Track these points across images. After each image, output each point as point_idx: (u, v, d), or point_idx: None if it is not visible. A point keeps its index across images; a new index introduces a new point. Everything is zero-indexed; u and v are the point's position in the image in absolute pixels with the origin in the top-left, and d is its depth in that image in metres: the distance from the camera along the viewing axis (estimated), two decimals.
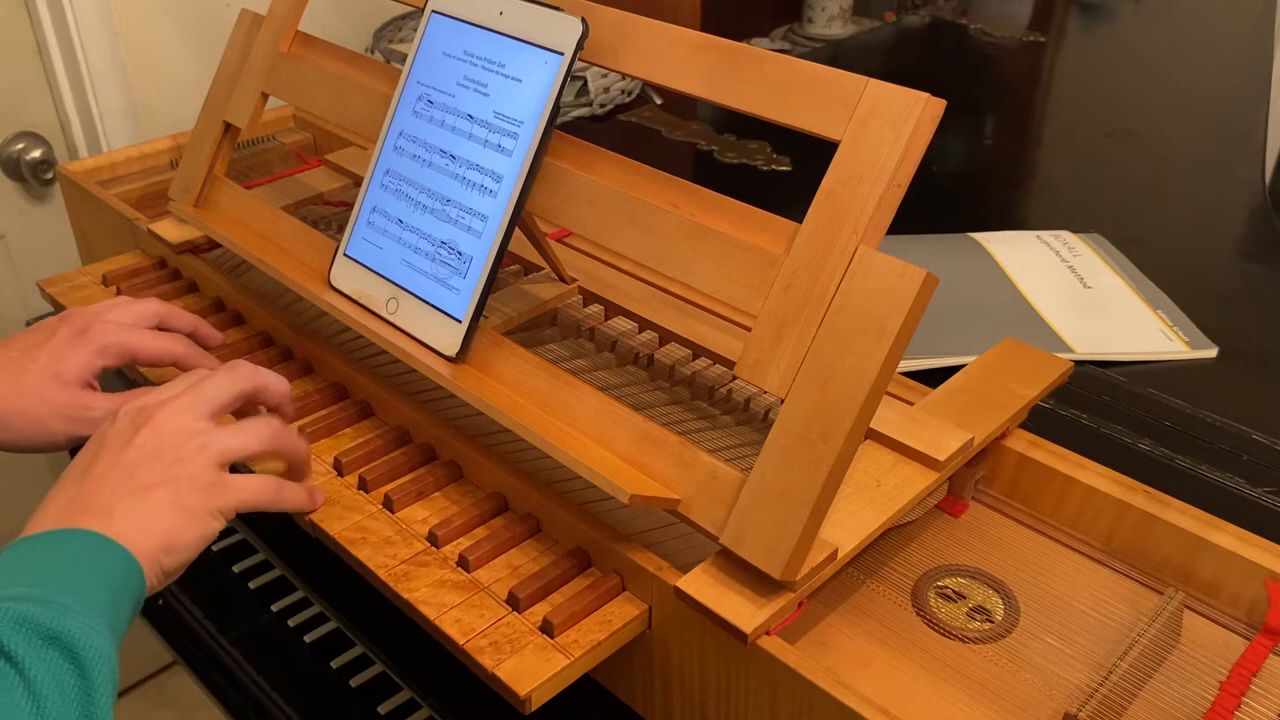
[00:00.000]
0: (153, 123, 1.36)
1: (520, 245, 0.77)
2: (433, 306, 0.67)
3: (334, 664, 0.73)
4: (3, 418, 0.65)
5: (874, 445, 0.63)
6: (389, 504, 0.64)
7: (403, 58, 0.76)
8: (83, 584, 0.50)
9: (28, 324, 1.00)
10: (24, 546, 0.52)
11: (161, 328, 0.72)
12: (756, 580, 0.54)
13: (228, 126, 0.84)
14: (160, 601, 0.82)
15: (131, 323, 0.70)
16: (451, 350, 0.66)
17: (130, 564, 0.53)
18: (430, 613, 0.57)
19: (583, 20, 0.62)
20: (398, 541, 0.62)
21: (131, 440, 0.57)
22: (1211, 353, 0.87)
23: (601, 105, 1.36)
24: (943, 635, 0.60)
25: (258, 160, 1.06)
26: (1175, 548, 0.62)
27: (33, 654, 0.46)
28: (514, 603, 0.58)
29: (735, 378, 0.70)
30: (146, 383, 0.75)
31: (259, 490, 0.60)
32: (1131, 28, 1.69)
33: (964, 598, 0.62)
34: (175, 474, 0.56)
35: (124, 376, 0.78)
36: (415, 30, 0.71)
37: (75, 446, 0.69)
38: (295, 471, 0.65)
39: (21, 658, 0.45)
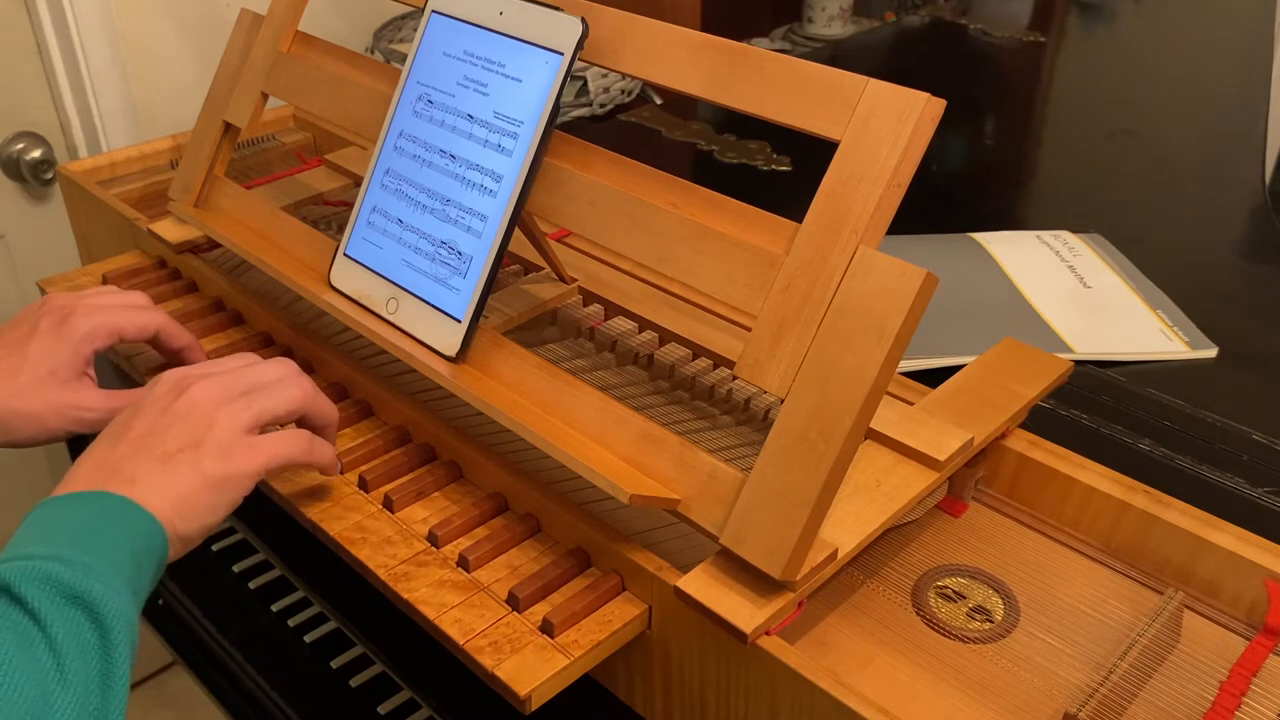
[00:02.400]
0: (153, 123, 1.36)
1: (520, 245, 0.77)
2: (433, 306, 0.67)
3: (334, 664, 0.73)
4: (4, 420, 0.65)
5: (874, 445, 0.63)
6: (389, 504, 0.64)
7: (403, 58, 0.76)
8: (106, 546, 0.51)
9: None
10: (52, 507, 0.53)
11: None
12: (756, 580, 0.54)
13: (228, 126, 0.84)
14: (160, 601, 0.82)
15: (111, 304, 0.70)
16: (451, 350, 0.66)
17: (154, 527, 0.54)
18: (430, 613, 0.57)
19: (583, 20, 0.62)
20: (398, 541, 0.62)
21: (168, 408, 0.58)
22: (1211, 353, 0.87)
23: (601, 105, 1.36)
24: (942, 635, 0.60)
25: (258, 160, 1.06)
26: (1175, 548, 0.62)
27: (55, 612, 0.47)
28: (514, 603, 0.58)
29: (735, 378, 0.70)
30: (140, 381, 0.75)
31: (292, 443, 0.60)
32: (1131, 28, 1.69)
33: (964, 598, 0.62)
34: (200, 439, 0.57)
35: (122, 374, 0.78)
36: (415, 30, 0.71)
37: (73, 439, 0.70)
38: (325, 434, 0.65)
39: (44, 615, 0.46)
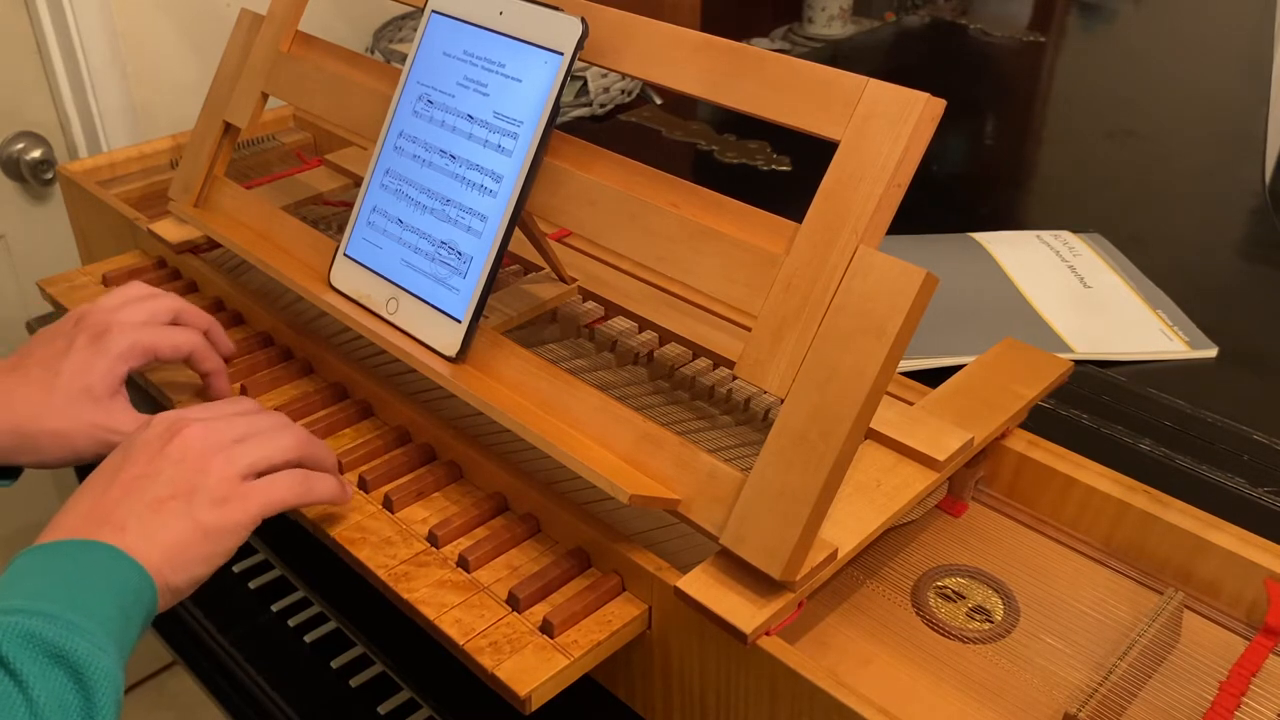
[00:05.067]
0: (153, 123, 1.36)
1: (520, 245, 0.77)
2: (432, 306, 0.67)
3: (334, 664, 0.73)
4: (35, 439, 0.63)
5: (874, 445, 0.63)
6: (389, 504, 0.64)
7: (403, 58, 0.76)
8: (93, 600, 0.49)
9: (27, 324, 1.01)
10: (38, 555, 0.51)
11: (177, 323, 0.71)
12: (756, 580, 0.54)
13: (228, 126, 0.84)
14: None
15: (147, 320, 0.69)
16: (451, 350, 0.66)
17: (143, 580, 0.52)
18: (430, 613, 0.57)
19: (583, 20, 0.62)
20: (398, 541, 0.62)
21: (159, 451, 0.57)
22: (1211, 353, 0.87)
23: (601, 105, 1.36)
24: (943, 635, 0.60)
25: (258, 160, 1.06)
26: (1175, 548, 0.62)
27: (37, 672, 0.45)
28: (514, 603, 0.58)
29: (735, 378, 0.70)
30: (170, 403, 0.74)
31: (287, 486, 0.59)
32: (1131, 28, 1.69)
33: (964, 598, 0.62)
34: (194, 485, 0.56)
35: (149, 398, 0.78)
36: (415, 30, 0.71)
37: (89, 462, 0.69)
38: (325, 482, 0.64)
39: (25, 676, 0.45)
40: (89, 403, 0.64)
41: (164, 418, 0.59)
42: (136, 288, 0.71)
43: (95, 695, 0.46)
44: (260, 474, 0.59)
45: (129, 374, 0.67)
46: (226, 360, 0.73)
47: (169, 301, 0.71)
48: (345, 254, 0.73)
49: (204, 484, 0.56)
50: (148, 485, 0.55)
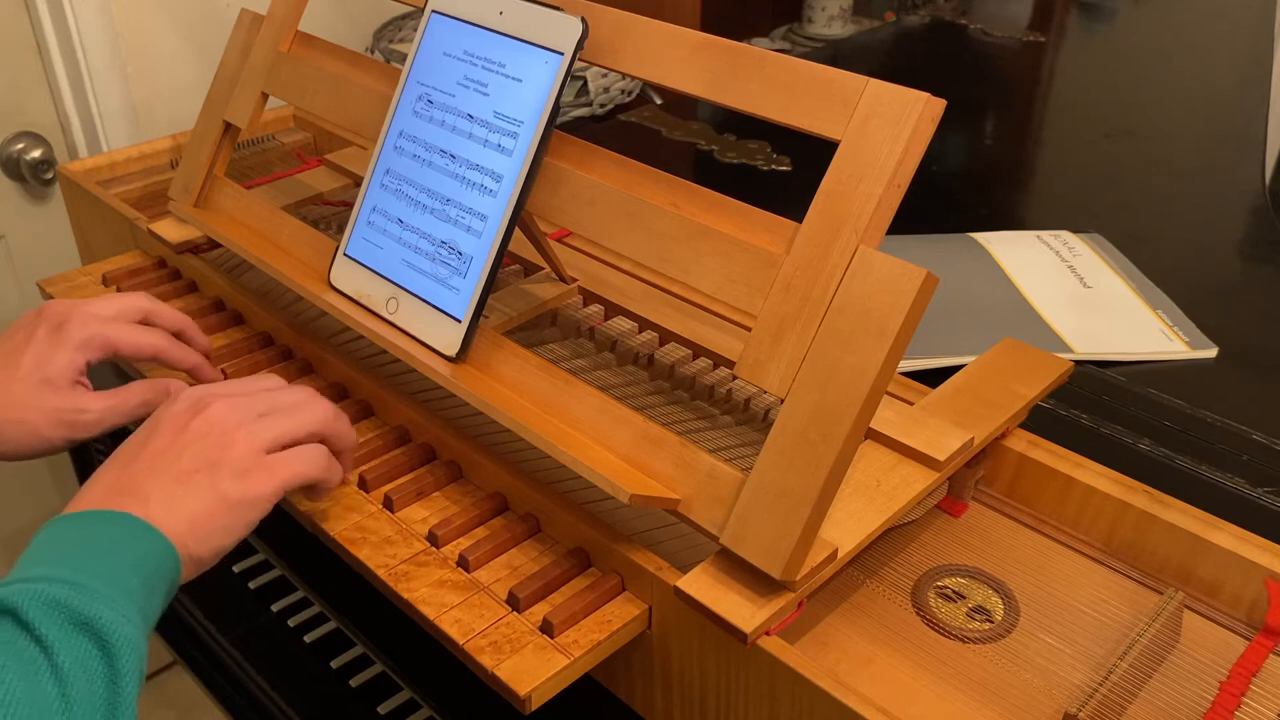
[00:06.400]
0: (153, 123, 1.36)
1: (520, 245, 0.78)
2: (433, 306, 0.67)
3: (334, 664, 0.73)
4: (1, 429, 0.64)
5: (874, 445, 0.63)
6: (389, 504, 0.64)
7: (403, 58, 0.76)
8: (117, 569, 0.50)
9: None
10: (62, 525, 0.52)
11: (147, 323, 0.71)
12: (756, 580, 0.54)
13: (228, 126, 0.84)
14: None
15: (113, 315, 0.69)
16: (451, 350, 0.66)
17: (166, 549, 0.53)
18: (430, 613, 0.57)
19: (583, 20, 0.62)
20: (398, 541, 0.62)
21: (184, 426, 0.58)
22: (1211, 353, 0.87)
23: (601, 105, 1.36)
24: (943, 635, 0.60)
25: (258, 160, 1.06)
26: (1175, 548, 0.62)
27: (62, 639, 0.46)
28: (514, 603, 0.58)
29: (735, 378, 0.70)
30: (139, 376, 0.74)
31: (310, 461, 0.59)
32: (1131, 28, 1.69)
33: (964, 598, 0.62)
34: (216, 459, 0.56)
35: (120, 371, 0.78)
36: (415, 30, 0.71)
37: (72, 448, 0.69)
38: (342, 458, 0.64)
39: (50, 641, 0.45)
40: (50, 392, 0.65)
41: (190, 393, 0.60)
42: (111, 293, 0.72)
43: (119, 661, 0.47)
44: (284, 448, 0.59)
45: (89, 365, 0.68)
46: (206, 356, 0.74)
47: (139, 300, 0.71)
48: (345, 254, 0.73)
49: (228, 457, 0.57)
50: (172, 459, 0.56)
